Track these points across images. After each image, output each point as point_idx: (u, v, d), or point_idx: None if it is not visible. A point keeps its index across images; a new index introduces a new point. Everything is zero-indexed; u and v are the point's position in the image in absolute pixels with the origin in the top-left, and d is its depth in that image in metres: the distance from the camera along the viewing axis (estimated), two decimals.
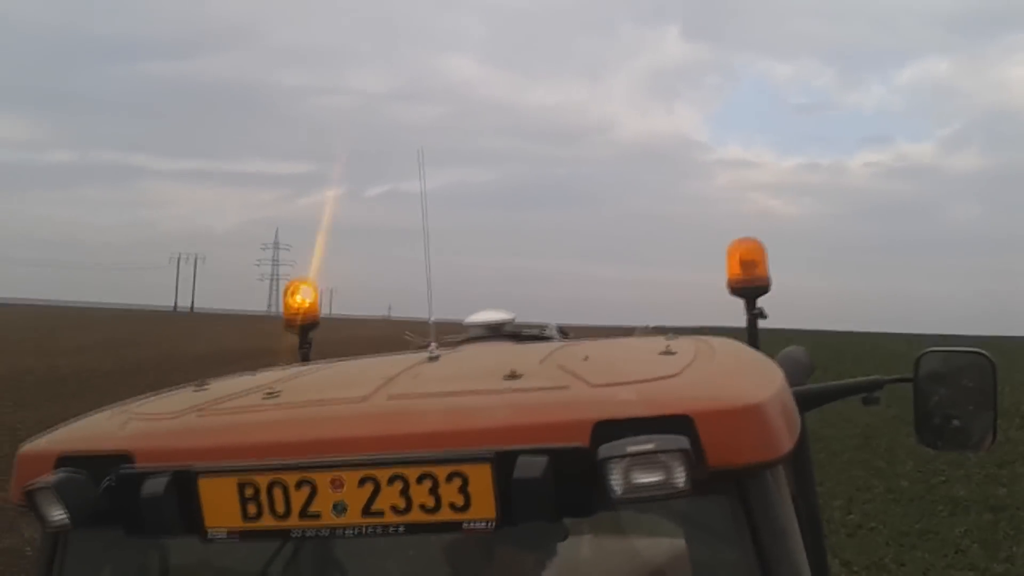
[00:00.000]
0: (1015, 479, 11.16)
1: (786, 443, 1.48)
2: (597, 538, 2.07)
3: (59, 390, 20.09)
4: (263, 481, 1.42)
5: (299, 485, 1.41)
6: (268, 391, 1.77)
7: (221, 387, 1.95)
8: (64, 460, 1.54)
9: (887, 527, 9.04)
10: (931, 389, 2.31)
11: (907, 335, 49.02)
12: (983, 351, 2.32)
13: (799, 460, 2.12)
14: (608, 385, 1.53)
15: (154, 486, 1.44)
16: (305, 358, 3.00)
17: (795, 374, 2.11)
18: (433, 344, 2.15)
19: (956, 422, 2.28)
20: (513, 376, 1.66)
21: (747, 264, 2.66)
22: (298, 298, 3.01)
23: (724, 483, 1.43)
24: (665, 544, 2.03)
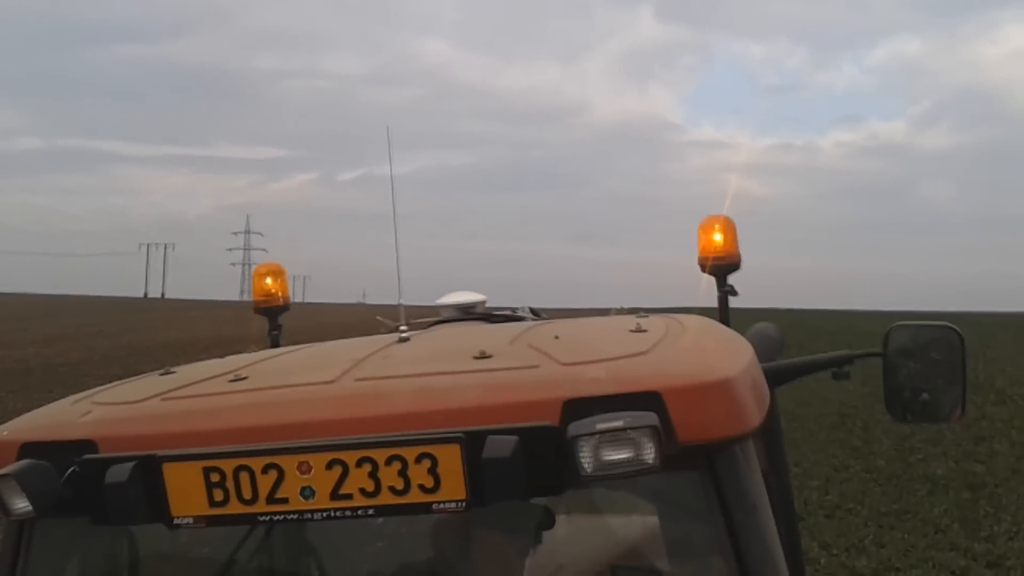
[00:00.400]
0: (992, 456, 11.12)
1: (755, 418, 1.49)
2: (569, 516, 2.08)
3: (25, 382, 19.85)
4: (229, 466, 1.39)
5: (266, 470, 1.38)
6: (234, 375, 1.75)
7: (187, 373, 1.92)
8: (27, 449, 1.52)
9: (865, 507, 8.90)
10: (900, 363, 2.32)
11: (882, 313, 49.33)
12: (951, 324, 2.32)
13: (770, 435, 2.10)
14: (577, 364, 1.52)
15: (118, 473, 1.41)
16: (275, 343, 2.96)
17: (766, 350, 2.11)
18: (403, 326, 2.10)
19: (925, 395, 2.30)
20: (483, 356, 1.65)
21: (717, 241, 2.67)
22: (267, 282, 2.99)
23: (694, 458, 1.43)
24: (637, 520, 2.04)
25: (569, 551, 2.11)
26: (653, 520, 1.91)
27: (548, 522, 1.91)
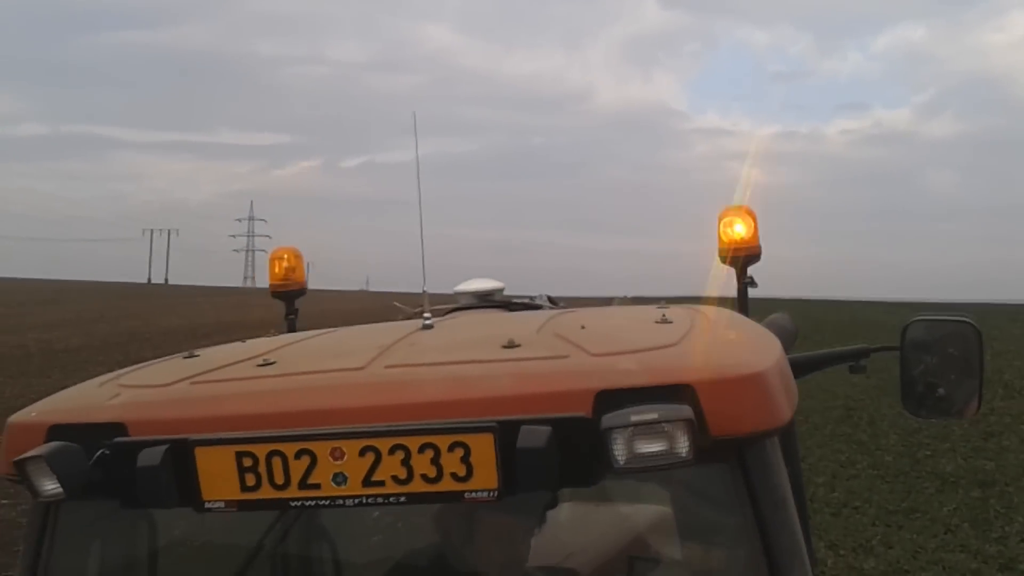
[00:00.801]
0: (1002, 452, 10.86)
1: (786, 412, 1.48)
2: (596, 506, 2.11)
3: (24, 367, 19.76)
4: (262, 451, 1.40)
5: (298, 455, 1.39)
6: (262, 360, 1.75)
7: (212, 356, 1.93)
8: (55, 431, 1.53)
9: (873, 505, 8.68)
10: (917, 357, 2.32)
11: (886, 303, 49.08)
12: (968, 319, 2.31)
13: (785, 430, 2.03)
14: (608, 354, 1.52)
15: (150, 457, 1.41)
16: (291, 327, 2.99)
17: (781, 341, 2.09)
18: (427, 313, 2.12)
19: (941, 390, 2.30)
20: (511, 345, 1.65)
21: (738, 232, 2.64)
22: (285, 266, 3.00)
23: (724, 452, 1.44)
24: (665, 512, 2.03)
25: (594, 539, 2.12)
26: (681, 512, 1.93)
27: (571, 508, 1.94)
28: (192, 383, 1.67)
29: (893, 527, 8.02)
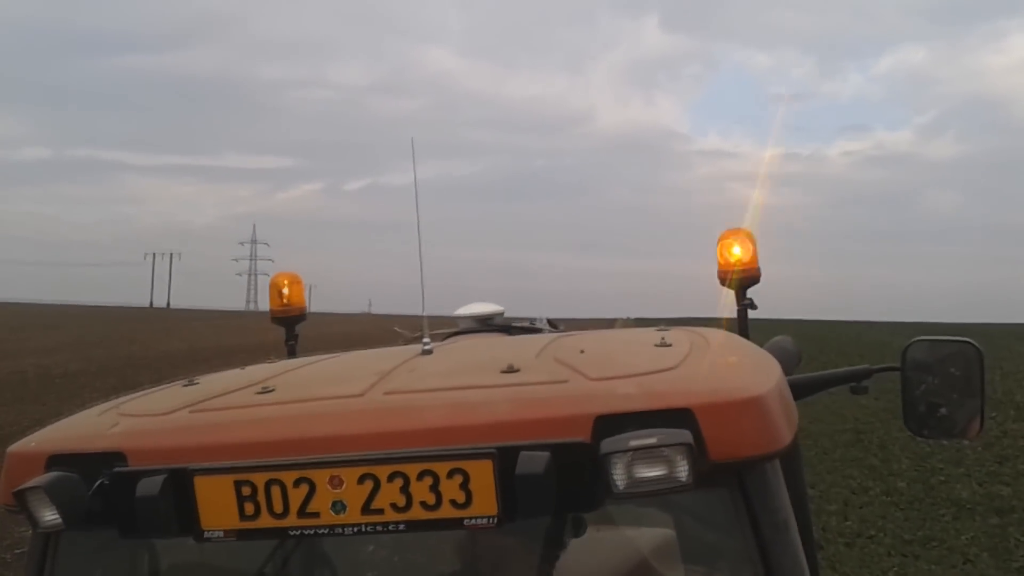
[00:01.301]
0: (1018, 477, 10.56)
1: (786, 436, 1.47)
2: (596, 531, 2.06)
3: (20, 393, 19.54)
4: (260, 480, 1.38)
5: (297, 483, 1.38)
6: (261, 387, 1.75)
7: (211, 383, 1.92)
8: (55, 460, 1.52)
9: (887, 535, 8.39)
10: (919, 378, 2.32)
11: (890, 323, 48.81)
12: (970, 340, 2.30)
13: (789, 454, 1.99)
14: (607, 379, 1.52)
15: (149, 486, 1.40)
16: (291, 352, 2.98)
17: (784, 364, 2.06)
18: (426, 339, 2.11)
19: (943, 410, 2.29)
20: (511, 370, 1.64)
21: (738, 255, 2.64)
22: (285, 291, 2.99)
23: (724, 476, 1.43)
24: (665, 537, 2.02)
25: (592, 565, 2.08)
26: (681, 536, 1.91)
27: (551, 529, 1.88)
28: (192, 411, 1.66)
29: (910, 557, 7.73)
